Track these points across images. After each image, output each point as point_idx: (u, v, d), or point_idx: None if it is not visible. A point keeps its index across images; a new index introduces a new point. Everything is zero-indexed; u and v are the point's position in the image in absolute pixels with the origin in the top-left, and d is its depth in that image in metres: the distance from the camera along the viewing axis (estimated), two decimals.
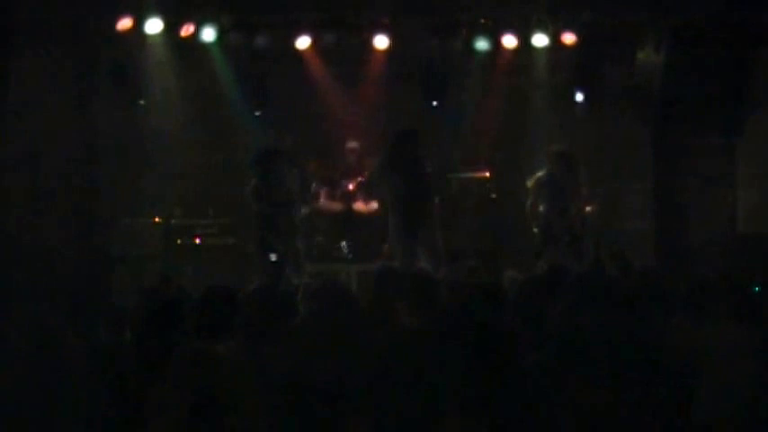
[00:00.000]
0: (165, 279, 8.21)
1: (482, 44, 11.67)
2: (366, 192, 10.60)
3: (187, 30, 11.17)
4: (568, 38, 11.34)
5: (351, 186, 11.94)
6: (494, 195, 12.10)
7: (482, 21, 11.53)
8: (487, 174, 12.22)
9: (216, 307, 5.87)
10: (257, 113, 12.53)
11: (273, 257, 9.58)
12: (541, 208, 10.38)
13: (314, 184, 11.36)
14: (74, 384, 4.87)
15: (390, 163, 10.14)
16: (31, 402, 4.79)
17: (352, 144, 12.13)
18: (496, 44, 11.67)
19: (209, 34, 11.28)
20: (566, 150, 10.36)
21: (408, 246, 10.03)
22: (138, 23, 10.75)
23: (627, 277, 6.71)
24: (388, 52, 12.00)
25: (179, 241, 11.42)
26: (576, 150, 10.59)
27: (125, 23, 10.69)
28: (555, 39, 11.38)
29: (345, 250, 10.44)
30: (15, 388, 4.93)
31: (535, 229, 10.44)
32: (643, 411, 4.79)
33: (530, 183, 10.43)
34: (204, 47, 11.58)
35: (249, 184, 10.12)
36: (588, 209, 10.28)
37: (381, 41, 11.71)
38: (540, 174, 10.42)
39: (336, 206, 11.90)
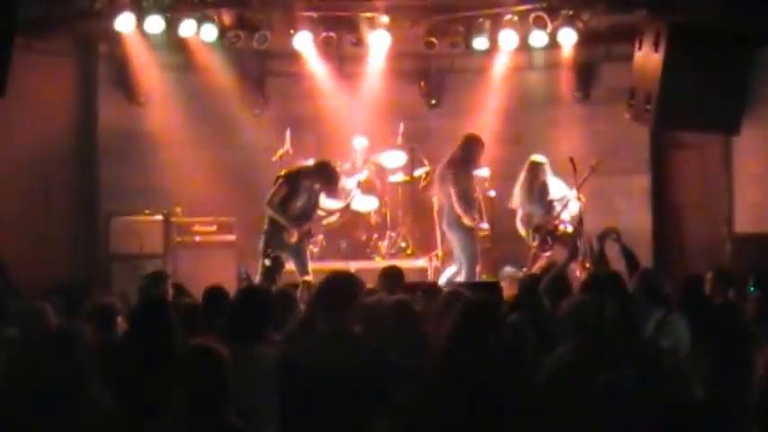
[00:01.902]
0: (159, 273, 8.22)
1: (481, 43, 11.70)
2: (435, 187, 10.75)
3: (187, 29, 11.18)
4: (567, 37, 11.36)
5: (350, 185, 11.96)
6: (493, 194, 12.12)
7: (480, 20, 11.55)
8: (487, 173, 12.22)
9: (214, 306, 5.93)
10: (257, 113, 12.56)
11: (267, 263, 9.55)
12: (535, 216, 10.56)
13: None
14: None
15: (462, 161, 10.32)
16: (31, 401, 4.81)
17: (359, 142, 12.14)
18: (495, 43, 11.69)
19: (209, 33, 11.29)
20: (538, 160, 10.55)
21: (472, 234, 10.34)
22: (139, 23, 10.75)
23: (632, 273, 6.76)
24: (388, 51, 12.03)
25: (179, 239, 11.44)
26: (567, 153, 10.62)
27: (124, 22, 10.69)
28: (553, 38, 11.40)
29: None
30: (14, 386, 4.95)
31: (531, 235, 10.52)
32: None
33: (514, 202, 10.64)
34: (204, 46, 11.61)
35: (274, 193, 9.91)
36: (578, 204, 10.29)
37: (381, 40, 11.73)
38: (518, 187, 10.59)
39: (336, 205, 11.92)
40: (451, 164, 10.37)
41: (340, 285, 5.04)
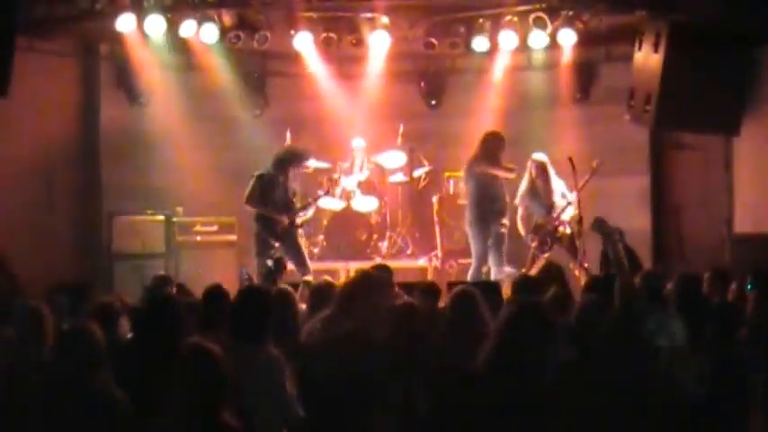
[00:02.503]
0: (166, 277, 8.22)
1: (481, 43, 11.71)
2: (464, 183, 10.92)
3: (188, 29, 11.19)
4: (567, 37, 11.37)
5: (350, 185, 11.98)
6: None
7: (480, 20, 11.56)
8: None
9: (213, 306, 5.94)
10: (257, 113, 12.58)
11: (269, 263, 9.61)
12: (535, 216, 10.60)
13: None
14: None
15: (483, 159, 10.45)
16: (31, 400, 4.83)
17: (357, 143, 12.16)
18: (495, 44, 11.70)
19: (209, 34, 11.31)
20: (540, 159, 10.60)
21: (482, 234, 10.45)
22: (139, 23, 10.76)
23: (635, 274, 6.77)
24: (388, 52, 12.04)
25: (180, 239, 11.46)
26: (566, 152, 10.64)
27: (125, 23, 10.71)
28: (553, 38, 11.41)
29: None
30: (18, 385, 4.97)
31: (529, 235, 10.54)
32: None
33: (516, 200, 10.67)
34: (205, 47, 11.62)
35: (251, 190, 10.14)
36: (572, 209, 10.29)
37: (381, 41, 11.74)
38: (521, 186, 10.62)
39: (336, 205, 11.94)
40: (477, 161, 10.49)
41: (361, 286, 5.02)
